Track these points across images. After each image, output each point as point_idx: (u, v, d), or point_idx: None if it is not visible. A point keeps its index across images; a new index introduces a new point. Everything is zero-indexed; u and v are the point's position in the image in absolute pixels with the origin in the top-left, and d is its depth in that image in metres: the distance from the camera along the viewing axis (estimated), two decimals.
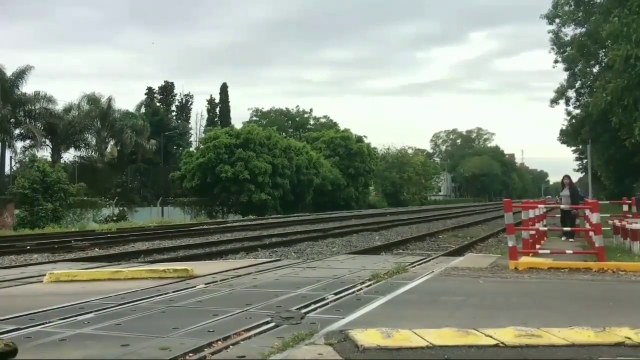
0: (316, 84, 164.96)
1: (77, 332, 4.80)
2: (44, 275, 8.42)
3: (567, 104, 40.49)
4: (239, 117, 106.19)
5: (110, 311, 5.73)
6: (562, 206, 13.93)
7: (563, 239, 14.37)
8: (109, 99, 49.74)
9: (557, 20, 35.22)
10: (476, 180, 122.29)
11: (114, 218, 35.21)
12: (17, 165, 44.63)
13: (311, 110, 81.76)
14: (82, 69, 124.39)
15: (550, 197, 17.73)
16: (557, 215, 16.80)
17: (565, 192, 14.79)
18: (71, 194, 31.29)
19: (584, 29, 33.31)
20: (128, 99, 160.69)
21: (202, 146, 47.75)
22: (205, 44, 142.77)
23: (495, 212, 41.45)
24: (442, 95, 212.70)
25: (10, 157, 44.51)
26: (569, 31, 35.62)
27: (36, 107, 44.70)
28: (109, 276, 8.28)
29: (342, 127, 71.53)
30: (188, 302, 6.22)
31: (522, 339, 4.24)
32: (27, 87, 45.11)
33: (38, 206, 28.76)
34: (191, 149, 53.98)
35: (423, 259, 10.78)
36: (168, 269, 8.58)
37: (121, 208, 38.83)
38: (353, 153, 60.66)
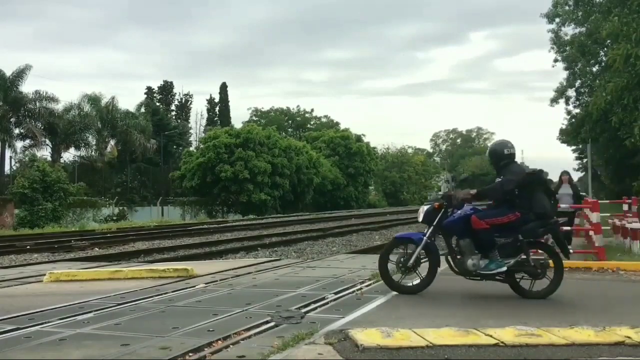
0: (316, 84, 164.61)
1: (77, 332, 4.80)
2: (44, 275, 8.42)
3: (567, 103, 40.43)
4: (238, 116, 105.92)
5: (109, 311, 5.73)
6: (563, 205, 11.16)
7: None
8: (112, 99, 49.78)
9: (557, 20, 35.19)
10: (476, 180, 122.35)
11: (114, 218, 35.23)
12: (17, 165, 44.63)
13: (312, 110, 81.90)
14: (82, 69, 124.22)
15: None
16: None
17: (566, 189, 12.50)
18: (71, 194, 31.27)
19: (583, 29, 33.29)
20: (128, 99, 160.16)
21: (202, 146, 47.72)
22: (205, 44, 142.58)
23: None
24: (442, 95, 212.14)
25: (10, 157, 44.53)
26: (569, 30, 35.63)
27: (36, 107, 44.69)
28: (109, 276, 8.28)
29: (342, 127, 71.62)
30: (188, 302, 6.22)
31: (522, 339, 4.24)
32: (27, 87, 45.27)
33: (38, 206, 28.74)
34: (191, 149, 53.96)
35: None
36: (168, 269, 8.58)
37: (121, 208, 38.83)
38: (353, 152, 60.66)
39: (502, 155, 6.62)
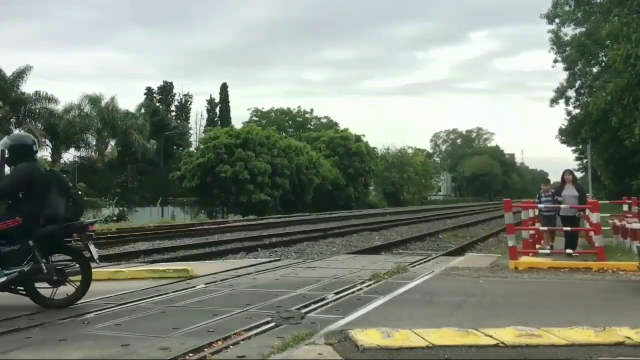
0: (316, 84, 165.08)
1: (77, 332, 4.80)
2: None
3: (567, 103, 40.45)
4: (239, 117, 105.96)
5: (110, 311, 5.74)
6: (562, 206, 10.65)
7: (547, 249, 10.79)
8: (112, 99, 49.77)
9: (557, 20, 35.26)
10: (476, 180, 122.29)
11: (114, 218, 35.20)
12: None
13: (312, 110, 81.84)
14: (82, 69, 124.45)
15: (548, 197, 11.70)
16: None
17: (570, 190, 11.09)
18: None
19: (583, 29, 33.33)
20: (128, 99, 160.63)
21: (202, 146, 47.78)
22: (205, 44, 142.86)
23: (495, 212, 41.45)
24: (442, 95, 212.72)
25: None
26: (569, 31, 35.68)
27: (36, 107, 44.71)
28: (109, 276, 8.27)
29: (342, 127, 71.58)
30: (188, 302, 6.22)
31: (522, 339, 4.24)
32: (27, 87, 45.12)
33: None
34: (191, 149, 53.96)
35: (423, 259, 10.79)
36: (168, 269, 8.58)
37: (121, 208, 38.85)
38: (352, 153, 60.68)
39: (31, 151, 6.04)
